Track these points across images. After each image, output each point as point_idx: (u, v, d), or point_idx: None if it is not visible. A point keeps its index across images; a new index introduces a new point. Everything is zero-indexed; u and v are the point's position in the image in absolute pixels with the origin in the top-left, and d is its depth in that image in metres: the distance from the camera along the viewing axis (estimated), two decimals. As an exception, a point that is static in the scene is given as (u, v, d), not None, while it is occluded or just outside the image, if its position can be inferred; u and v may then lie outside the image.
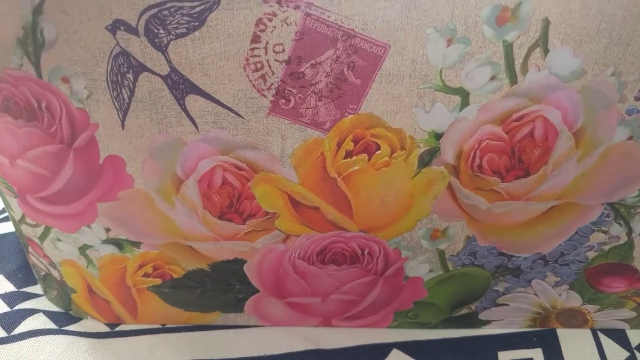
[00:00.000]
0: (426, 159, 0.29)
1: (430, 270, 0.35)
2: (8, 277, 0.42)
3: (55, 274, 0.38)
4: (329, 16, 0.24)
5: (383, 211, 0.31)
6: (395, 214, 0.31)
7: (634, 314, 0.38)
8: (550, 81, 0.26)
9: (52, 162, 0.30)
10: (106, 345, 0.38)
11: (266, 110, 0.27)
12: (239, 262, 0.35)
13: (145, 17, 0.25)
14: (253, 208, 0.31)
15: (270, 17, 0.24)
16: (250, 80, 0.26)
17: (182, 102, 0.27)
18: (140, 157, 0.30)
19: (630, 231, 0.33)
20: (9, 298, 0.41)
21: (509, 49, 0.25)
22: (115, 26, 0.25)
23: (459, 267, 0.35)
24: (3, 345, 0.37)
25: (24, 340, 0.38)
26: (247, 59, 0.26)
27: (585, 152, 0.29)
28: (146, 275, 0.36)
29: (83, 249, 0.35)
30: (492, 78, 0.26)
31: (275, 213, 0.31)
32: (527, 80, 0.26)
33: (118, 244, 0.34)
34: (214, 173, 0.30)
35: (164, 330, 0.40)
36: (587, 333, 0.39)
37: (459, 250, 0.34)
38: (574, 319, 0.39)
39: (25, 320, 0.39)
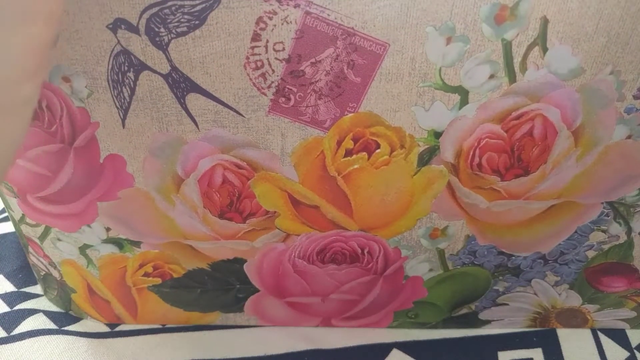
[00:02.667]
0: (426, 158, 0.29)
1: (430, 270, 0.35)
2: (8, 277, 0.42)
3: (55, 274, 0.38)
4: (328, 14, 0.25)
5: (383, 210, 0.31)
6: (395, 213, 0.31)
7: (634, 313, 0.38)
8: (549, 79, 0.26)
9: (52, 162, 0.30)
10: (106, 345, 0.38)
11: (266, 108, 0.28)
12: (239, 262, 0.35)
13: (146, 15, 0.25)
14: (253, 207, 0.31)
15: (271, 15, 0.25)
16: (250, 79, 0.27)
17: (182, 100, 0.27)
18: (141, 156, 0.30)
19: (629, 230, 0.33)
20: (9, 298, 0.41)
21: (507, 47, 0.26)
22: (116, 25, 0.25)
23: (458, 267, 0.35)
24: (3, 345, 0.37)
25: (24, 340, 0.38)
26: (247, 58, 0.26)
27: (584, 150, 0.29)
28: (146, 274, 0.36)
29: (83, 249, 0.35)
30: (491, 76, 0.26)
31: (275, 212, 0.32)
32: (526, 79, 0.26)
33: (118, 243, 0.34)
34: (214, 172, 0.30)
35: (164, 330, 0.40)
36: (587, 333, 0.39)
37: (459, 249, 0.34)
38: (574, 318, 0.39)
39: (25, 320, 0.39)
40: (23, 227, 0.35)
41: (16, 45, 0.18)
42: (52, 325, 0.39)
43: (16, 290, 0.42)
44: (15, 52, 0.18)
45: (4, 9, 0.17)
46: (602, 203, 0.31)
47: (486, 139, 0.28)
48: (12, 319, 0.39)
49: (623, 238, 0.33)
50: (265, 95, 0.27)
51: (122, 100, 0.28)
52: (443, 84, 0.27)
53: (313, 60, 0.26)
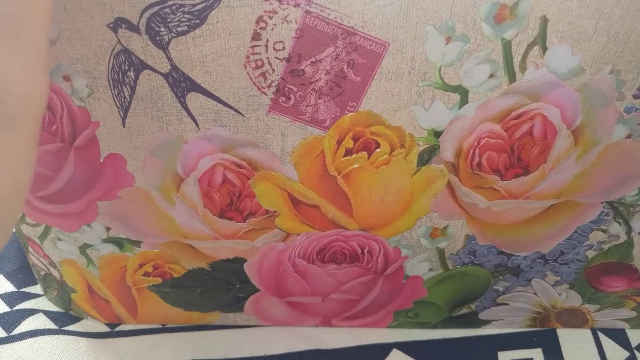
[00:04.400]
0: (426, 157, 0.29)
1: (430, 269, 0.35)
2: (8, 277, 0.42)
3: (55, 273, 0.38)
4: (328, 14, 0.25)
5: (383, 209, 0.31)
6: (395, 213, 0.32)
7: (634, 313, 0.38)
8: (548, 79, 0.27)
9: (52, 161, 0.30)
10: (106, 345, 0.38)
11: (266, 107, 0.28)
12: (239, 261, 0.35)
13: (146, 15, 0.25)
14: (253, 206, 0.31)
15: (271, 14, 0.25)
16: (250, 78, 0.27)
17: (182, 99, 0.27)
18: (141, 155, 0.30)
19: (629, 230, 0.33)
20: (9, 298, 0.41)
21: (507, 46, 0.26)
22: (117, 24, 0.25)
23: (458, 266, 0.35)
24: (3, 345, 0.37)
25: (24, 340, 0.38)
26: (247, 57, 0.26)
27: (584, 150, 0.29)
28: (146, 274, 0.36)
29: (83, 248, 0.35)
30: (491, 76, 0.26)
31: (275, 211, 0.32)
32: (525, 78, 0.27)
33: (118, 243, 0.34)
34: (214, 171, 0.30)
35: (164, 330, 0.40)
36: (587, 333, 0.39)
37: (459, 249, 0.34)
38: (574, 318, 0.39)
39: (25, 320, 0.39)
40: (23, 227, 0.35)
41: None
42: (52, 325, 0.39)
43: (16, 290, 0.42)
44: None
45: None
46: (602, 203, 0.31)
47: (486, 139, 0.28)
48: (12, 319, 0.39)
49: (623, 238, 0.33)
50: (266, 94, 0.27)
51: (123, 100, 0.28)
52: (443, 83, 0.27)
53: (313, 59, 0.26)
